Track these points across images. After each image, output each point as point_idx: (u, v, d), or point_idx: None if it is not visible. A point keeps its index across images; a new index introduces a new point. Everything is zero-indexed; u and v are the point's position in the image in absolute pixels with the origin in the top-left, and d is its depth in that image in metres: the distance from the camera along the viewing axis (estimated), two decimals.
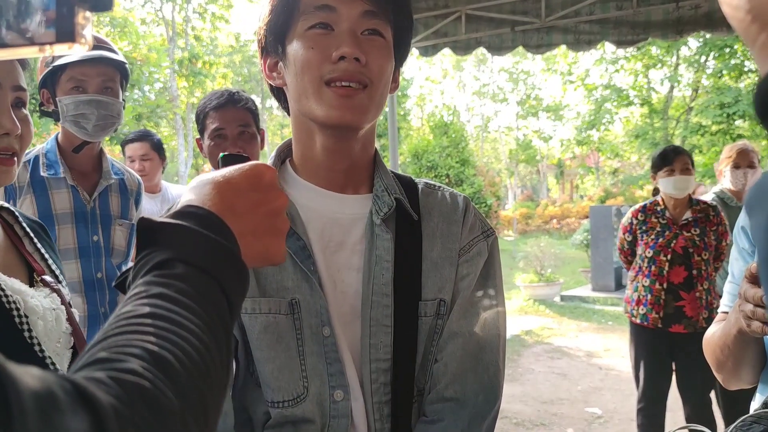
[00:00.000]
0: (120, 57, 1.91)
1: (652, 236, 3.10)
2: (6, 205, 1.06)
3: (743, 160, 3.32)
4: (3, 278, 0.91)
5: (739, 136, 15.69)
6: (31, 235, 1.06)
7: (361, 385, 0.92)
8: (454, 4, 4.71)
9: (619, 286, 9.09)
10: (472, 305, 0.96)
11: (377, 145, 1.04)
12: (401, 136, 21.10)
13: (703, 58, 17.72)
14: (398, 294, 0.93)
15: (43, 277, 1.02)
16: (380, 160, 1.01)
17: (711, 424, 2.99)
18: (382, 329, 0.92)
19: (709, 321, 2.90)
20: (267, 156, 1.11)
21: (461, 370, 0.93)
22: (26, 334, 0.89)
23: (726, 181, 3.43)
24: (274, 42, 0.93)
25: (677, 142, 17.05)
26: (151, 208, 2.91)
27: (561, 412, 4.53)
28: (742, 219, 1.21)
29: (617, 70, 20.15)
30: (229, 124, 1.91)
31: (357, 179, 0.98)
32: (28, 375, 0.34)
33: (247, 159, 0.69)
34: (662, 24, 4.41)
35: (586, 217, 13.56)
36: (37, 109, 1.99)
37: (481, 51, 5.12)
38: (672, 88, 20.09)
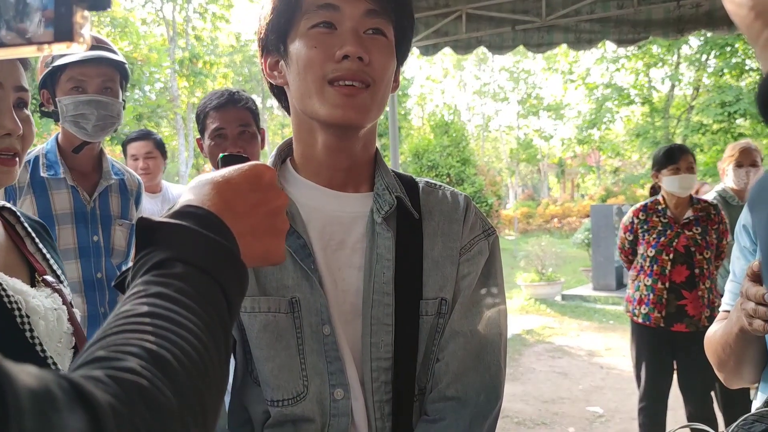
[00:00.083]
0: (120, 57, 1.91)
1: (654, 235, 3.09)
2: (8, 205, 1.06)
3: (746, 159, 3.32)
4: (5, 278, 0.91)
5: (741, 135, 15.67)
6: (33, 235, 1.06)
7: (362, 384, 0.92)
8: (455, 3, 4.70)
9: (620, 285, 9.08)
10: (473, 304, 0.96)
11: (378, 144, 1.04)
12: (402, 136, 21.09)
13: (704, 56, 17.69)
14: (399, 293, 0.93)
15: (45, 277, 1.01)
16: (381, 159, 1.01)
17: (712, 422, 2.99)
18: (383, 328, 0.92)
19: (711, 320, 2.90)
20: (267, 155, 1.11)
21: (463, 369, 0.93)
22: (28, 334, 0.89)
23: (729, 180, 3.42)
24: (275, 41, 0.92)
25: (678, 140, 17.01)
26: (151, 207, 2.91)
27: (562, 411, 4.52)
28: (744, 217, 1.21)
29: (618, 69, 20.12)
30: (229, 123, 1.91)
31: (358, 178, 0.98)
32: (25, 373, 0.34)
33: (247, 159, 0.69)
34: (663, 23, 4.41)
35: (587, 216, 13.56)
36: (38, 109, 1.99)
37: (481, 50, 5.11)
38: (673, 86, 20.07)
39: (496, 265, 1.01)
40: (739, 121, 16.37)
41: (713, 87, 17.31)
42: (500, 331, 0.98)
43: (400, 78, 1.02)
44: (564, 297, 9.37)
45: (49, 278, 1.02)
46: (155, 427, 0.38)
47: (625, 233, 3.25)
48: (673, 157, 3.05)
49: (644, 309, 3.08)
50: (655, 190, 3.28)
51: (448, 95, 38.92)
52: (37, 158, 1.90)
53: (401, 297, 0.93)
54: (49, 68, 1.83)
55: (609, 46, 15.54)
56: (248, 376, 0.95)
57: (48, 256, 1.07)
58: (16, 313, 0.88)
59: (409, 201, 0.98)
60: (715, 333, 1.20)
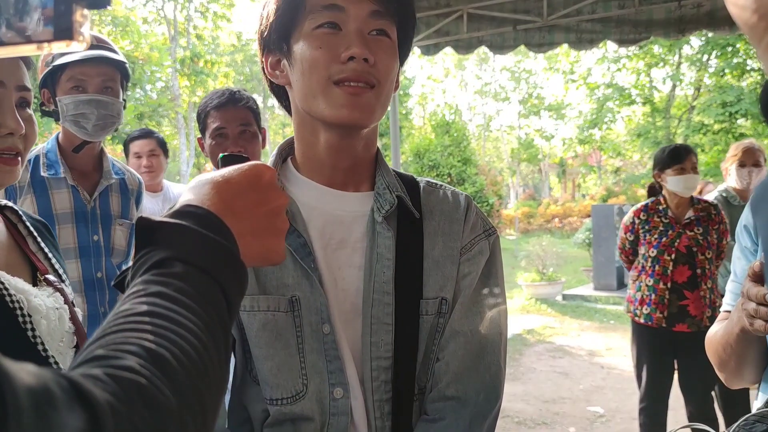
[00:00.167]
0: (120, 57, 1.91)
1: (656, 236, 3.09)
2: (10, 204, 1.06)
3: (749, 159, 3.31)
4: (6, 277, 0.91)
5: (742, 135, 15.66)
6: (35, 234, 1.06)
7: (362, 383, 0.92)
8: (456, 3, 4.70)
9: (621, 285, 9.08)
10: (473, 304, 0.96)
11: (379, 143, 1.04)
12: (403, 135, 21.09)
13: (706, 56, 17.68)
14: (399, 292, 0.93)
15: (47, 276, 1.01)
16: (382, 159, 1.01)
17: (713, 422, 2.99)
18: (383, 327, 0.92)
19: (712, 320, 2.89)
20: (269, 155, 1.11)
21: (463, 369, 0.93)
22: (29, 333, 0.89)
23: (731, 180, 3.42)
24: (278, 40, 0.92)
25: (679, 140, 16.99)
26: (152, 207, 2.91)
27: (563, 411, 4.52)
28: (745, 217, 1.21)
29: (619, 69, 20.12)
30: (230, 123, 1.91)
31: (359, 177, 0.98)
32: (24, 372, 0.34)
33: (247, 159, 0.69)
34: (664, 23, 4.40)
35: (588, 216, 13.56)
36: (38, 108, 1.99)
37: (482, 50, 5.11)
38: (674, 86, 20.06)
39: (497, 264, 1.01)
40: (740, 121, 16.37)
41: (714, 87, 17.30)
42: (500, 330, 0.97)
43: (401, 77, 1.02)
44: (565, 297, 9.37)
45: (51, 277, 1.02)
46: (154, 426, 0.38)
47: (625, 233, 3.24)
48: (680, 157, 3.03)
49: (646, 309, 3.08)
50: (653, 190, 3.26)
51: (450, 95, 38.97)
52: (37, 157, 1.90)
53: (401, 296, 0.93)
54: (50, 67, 1.83)
55: (610, 46, 15.52)
56: (248, 375, 0.96)
57: (50, 255, 1.07)
58: (18, 312, 0.88)
59: (409, 200, 0.98)
60: (716, 333, 1.20)
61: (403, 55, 0.98)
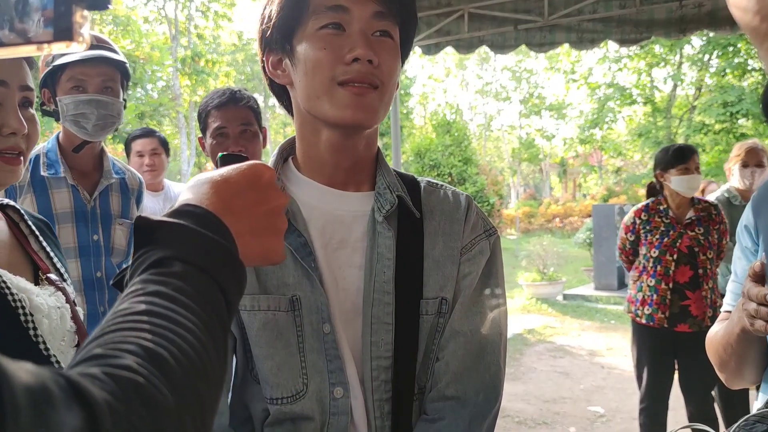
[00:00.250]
0: (120, 56, 1.91)
1: (657, 236, 3.08)
2: (12, 203, 1.07)
3: (752, 159, 3.31)
4: (8, 276, 0.91)
5: (743, 135, 15.65)
6: (37, 233, 1.07)
7: (362, 383, 0.92)
8: (457, 2, 4.70)
9: (622, 284, 9.08)
10: (473, 304, 0.96)
11: (380, 143, 1.04)
12: (404, 135, 21.08)
13: (707, 56, 17.67)
14: (399, 292, 0.93)
15: (48, 275, 1.02)
16: (382, 158, 1.01)
17: (714, 422, 2.99)
18: (383, 327, 0.92)
19: (713, 320, 2.88)
20: (269, 155, 1.11)
21: (462, 369, 0.93)
22: (31, 332, 0.89)
23: (734, 180, 3.41)
24: (281, 40, 0.92)
25: (680, 140, 16.98)
26: (153, 206, 2.91)
27: (563, 411, 4.52)
28: (746, 217, 1.21)
29: (620, 69, 20.10)
30: (230, 122, 1.91)
31: (359, 177, 0.98)
32: (21, 370, 0.34)
33: (246, 158, 0.69)
34: (665, 22, 4.40)
35: (589, 215, 13.56)
36: (39, 108, 1.99)
37: (483, 49, 5.11)
38: (675, 86, 20.05)
39: (497, 264, 1.01)
40: (742, 121, 16.35)
41: (715, 87, 17.29)
42: (500, 331, 0.98)
43: (402, 77, 1.02)
44: (565, 297, 9.37)
45: (53, 276, 1.02)
46: (152, 425, 0.38)
47: (626, 234, 3.23)
48: (684, 157, 3.01)
49: (647, 310, 3.07)
50: (652, 189, 3.26)
51: (450, 94, 38.93)
52: (37, 157, 1.90)
53: (401, 296, 0.93)
54: (50, 67, 1.84)
55: (611, 46, 15.55)
56: (248, 374, 0.96)
57: (51, 254, 1.07)
58: (20, 311, 0.88)
59: (410, 200, 0.98)
60: (716, 333, 1.20)
61: (404, 55, 0.98)
